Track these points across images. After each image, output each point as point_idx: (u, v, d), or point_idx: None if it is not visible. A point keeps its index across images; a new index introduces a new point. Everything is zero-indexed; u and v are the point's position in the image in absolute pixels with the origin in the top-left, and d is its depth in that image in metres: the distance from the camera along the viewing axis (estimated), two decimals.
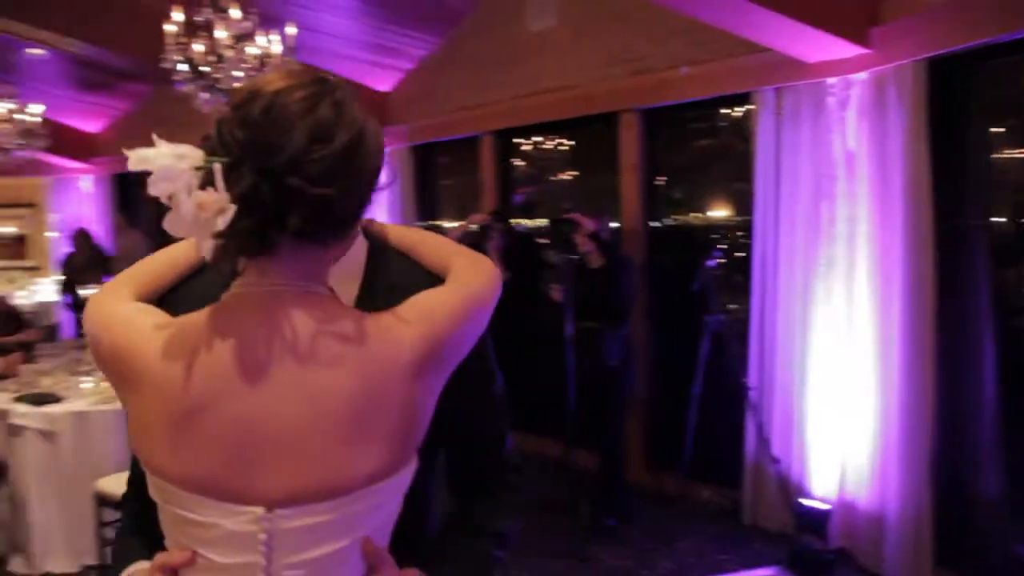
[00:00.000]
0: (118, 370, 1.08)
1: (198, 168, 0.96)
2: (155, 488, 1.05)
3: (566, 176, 6.18)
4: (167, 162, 0.95)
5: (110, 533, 3.80)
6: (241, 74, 4.37)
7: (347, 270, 1.23)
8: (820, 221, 4.22)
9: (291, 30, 4.59)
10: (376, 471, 1.03)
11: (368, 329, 1.05)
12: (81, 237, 8.41)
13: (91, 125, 9.22)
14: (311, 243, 1.03)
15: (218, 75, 4.35)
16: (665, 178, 5.44)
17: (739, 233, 4.91)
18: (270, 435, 1.00)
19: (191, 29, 4.41)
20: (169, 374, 1.01)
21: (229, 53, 4.31)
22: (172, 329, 1.05)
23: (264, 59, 4.56)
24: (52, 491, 4.16)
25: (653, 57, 4.99)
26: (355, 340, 1.04)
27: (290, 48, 4.61)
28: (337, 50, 6.70)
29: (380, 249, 1.29)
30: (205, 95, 4.46)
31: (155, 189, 0.96)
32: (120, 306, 1.13)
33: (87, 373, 4.61)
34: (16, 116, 6.81)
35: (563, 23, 5.62)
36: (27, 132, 6.88)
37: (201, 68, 4.35)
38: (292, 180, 0.96)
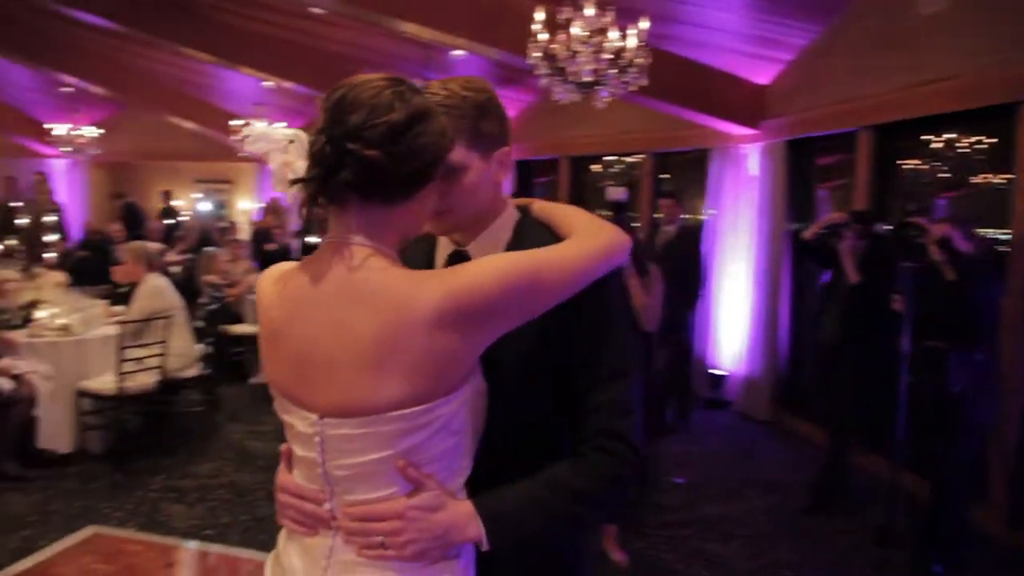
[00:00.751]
0: None
1: (291, 141, 1.28)
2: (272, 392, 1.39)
3: (953, 176, 5.45)
4: (268, 131, 1.29)
5: None
6: (592, 67, 4.61)
7: (496, 239, 1.49)
8: None
9: (644, 24, 4.71)
10: (398, 400, 1.23)
11: (399, 280, 1.25)
12: None
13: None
14: (373, 203, 1.27)
15: (572, 69, 4.64)
16: None
17: None
18: (316, 358, 1.26)
19: (553, 27, 4.75)
20: (269, 305, 1.35)
21: (582, 48, 4.57)
22: (283, 272, 1.37)
23: (619, 53, 4.75)
24: None
25: None
26: (385, 288, 1.24)
27: (643, 42, 4.73)
28: (715, 42, 6.67)
29: (525, 222, 1.52)
30: (560, 88, 4.79)
31: (252, 147, 1.31)
32: None
33: None
34: None
35: (955, 4, 4.96)
36: None
37: (559, 63, 4.68)
38: (350, 144, 1.22)
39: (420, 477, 1.28)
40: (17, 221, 8.27)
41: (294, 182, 1.27)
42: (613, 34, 4.66)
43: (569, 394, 1.42)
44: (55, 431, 5.16)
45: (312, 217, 1.29)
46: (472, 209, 1.45)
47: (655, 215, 8.17)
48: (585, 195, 10.11)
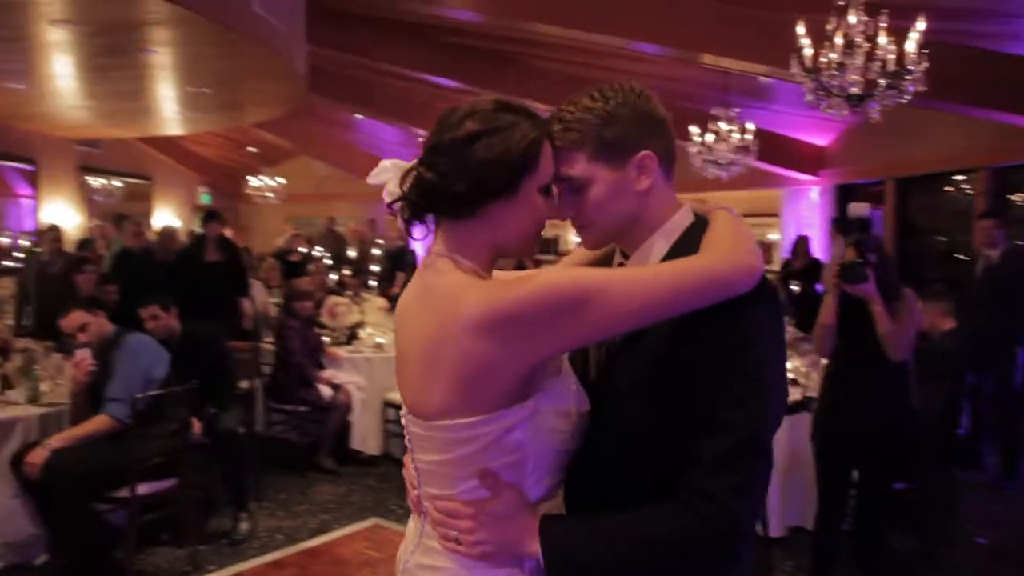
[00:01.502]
0: None
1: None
2: None
3: None
4: (389, 165, 1.43)
5: None
6: (857, 78, 4.26)
7: (651, 250, 1.42)
8: None
9: (921, 24, 4.25)
10: (441, 409, 1.30)
11: (456, 286, 1.31)
12: (800, 244, 8.98)
13: (821, 139, 9.74)
14: (454, 220, 1.35)
15: (836, 83, 4.33)
16: None
17: None
18: (402, 358, 1.40)
19: (821, 38, 4.48)
20: None
21: (846, 59, 4.25)
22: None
23: (898, 59, 4.33)
24: None
25: None
26: (441, 292, 1.32)
27: (919, 45, 4.27)
28: None
29: (695, 230, 1.42)
30: (827, 103, 4.49)
31: (374, 179, 1.44)
32: None
33: None
34: (734, 135, 7.74)
35: None
36: (740, 148, 7.76)
37: (822, 77, 4.40)
38: (419, 166, 1.34)
39: (495, 485, 1.32)
40: (350, 253, 9.60)
41: (389, 205, 1.40)
42: (884, 39, 4.27)
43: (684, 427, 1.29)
44: (365, 435, 5.94)
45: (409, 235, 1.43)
46: (613, 220, 1.41)
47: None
48: (919, 221, 9.17)
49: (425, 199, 1.34)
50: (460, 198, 1.30)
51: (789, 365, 4.99)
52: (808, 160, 9.89)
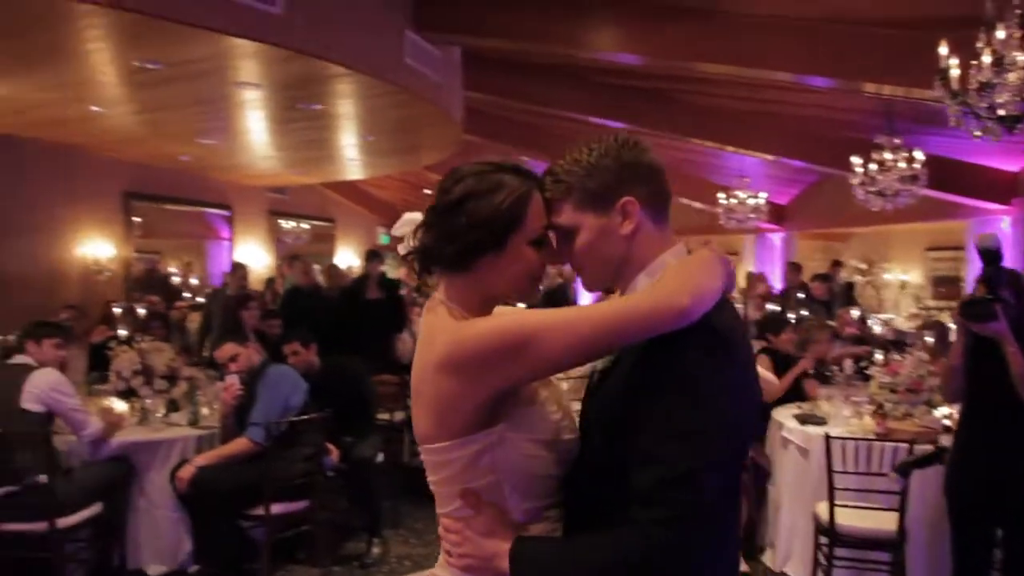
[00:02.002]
0: None
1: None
2: None
3: None
4: (409, 219, 1.57)
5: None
6: (1005, 99, 3.91)
7: (648, 276, 1.47)
8: None
9: None
10: (427, 435, 1.47)
11: (439, 326, 1.46)
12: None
13: (1012, 164, 8.89)
14: (449, 272, 1.49)
15: (984, 104, 3.99)
16: None
17: None
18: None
19: (970, 55, 4.15)
20: None
21: (996, 77, 3.91)
22: None
23: None
24: (800, 504, 4.55)
25: None
26: (430, 332, 1.48)
27: None
28: None
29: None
30: (975, 124, 4.14)
31: (397, 232, 1.59)
32: None
33: (858, 404, 4.84)
34: (899, 164, 7.24)
35: None
36: (907, 177, 7.24)
37: (968, 98, 4.08)
38: (420, 227, 1.51)
39: (476, 504, 1.45)
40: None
41: (403, 257, 1.56)
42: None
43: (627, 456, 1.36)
44: None
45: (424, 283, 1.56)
46: (602, 263, 1.49)
47: None
48: None
49: (425, 257, 1.49)
50: (452, 257, 1.44)
51: (945, 411, 4.61)
52: (997, 188, 9.06)
